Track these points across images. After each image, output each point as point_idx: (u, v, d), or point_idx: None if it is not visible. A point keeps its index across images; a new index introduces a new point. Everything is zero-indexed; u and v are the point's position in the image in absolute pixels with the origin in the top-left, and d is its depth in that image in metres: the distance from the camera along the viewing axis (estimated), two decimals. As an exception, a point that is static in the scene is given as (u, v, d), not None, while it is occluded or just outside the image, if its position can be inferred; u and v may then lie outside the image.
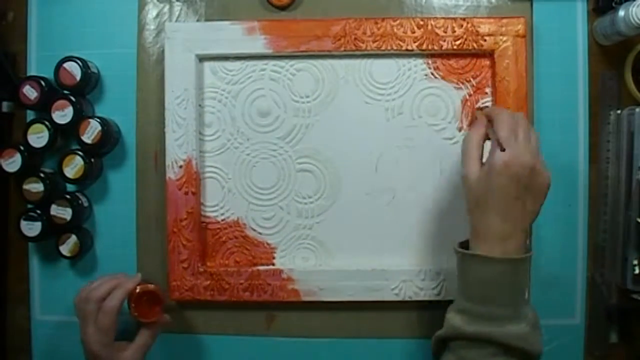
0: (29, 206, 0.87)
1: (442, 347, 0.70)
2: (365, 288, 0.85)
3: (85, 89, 0.87)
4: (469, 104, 0.86)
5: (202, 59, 0.86)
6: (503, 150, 0.66)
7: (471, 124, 0.83)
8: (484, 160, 0.69)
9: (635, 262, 0.83)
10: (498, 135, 0.68)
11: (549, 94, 0.87)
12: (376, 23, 0.84)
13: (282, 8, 0.87)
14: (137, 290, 0.81)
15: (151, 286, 0.82)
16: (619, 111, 0.85)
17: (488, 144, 0.70)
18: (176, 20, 0.88)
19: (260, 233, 0.88)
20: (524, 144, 0.67)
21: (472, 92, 0.86)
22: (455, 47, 0.84)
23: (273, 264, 0.88)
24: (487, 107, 0.85)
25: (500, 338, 0.64)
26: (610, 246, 0.86)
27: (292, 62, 0.86)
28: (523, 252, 0.67)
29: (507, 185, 0.65)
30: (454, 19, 0.84)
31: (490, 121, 0.71)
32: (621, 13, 0.78)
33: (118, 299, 0.78)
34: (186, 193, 0.85)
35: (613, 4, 0.83)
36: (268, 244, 0.88)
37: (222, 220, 0.88)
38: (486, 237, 0.67)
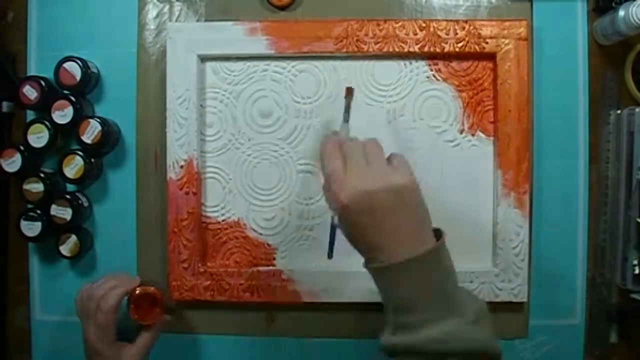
0: (29, 206, 0.87)
1: None
2: (365, 289, 0.84)
3: (85, 89, 0.87)
4: (470, 106, 0.86)
5: (204, 59, 0.86)
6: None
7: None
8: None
9: (635, 262, 0.83)
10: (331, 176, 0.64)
11: (548, 94, 0.87)
12: (378, 25, 0.84)
13: (282, 8, 0.87)
14: (137, 292, 0.81)
15: (151, 289, 0.81)
16: (619, 111, 0.86)
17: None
18: (176, 20, 0.88)
19: (260, 234, 0.88)
20: (354, 172, 0.63)
21: (473, 95, 0.86)
22: (457, 49, 0.84)
23: (273, 265, 0.88)
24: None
25: (417, 345, 0.59)
26: (610, 246, 0.86)
27: (294, 63, 0.86)
28: (423, 249, 0.61)
29: (361, 215, 0.62)
30: (456, 21, 0.84)
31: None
32: (621, 13, 0.78)
33: (115, 297, 0.78)
34: (187, 193, 0.85)
35: (613, 4, 0.83)
36: (268, 244, 0.88)
37: (223, 220, 0.88)
38: (375, 250, 0.62)
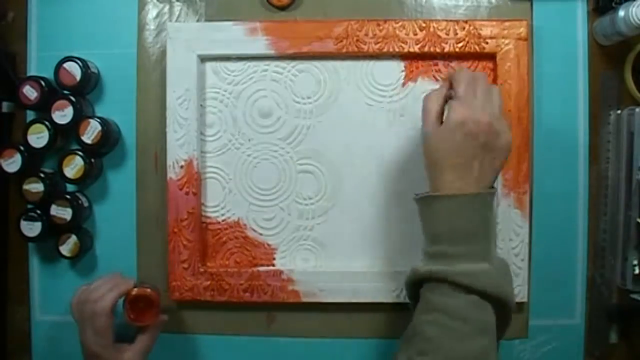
0: (29, 206, 0.87)
1: (414, 295, 0.69)
2: (365, 290, 0.85)
3: (85, 89, 0.87)
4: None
5: (204, 59, 0.86)
6: (457, 109, 0.66)
7: None
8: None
9: (635, 262, 0.83)
10: (456, 92, 0.68)
11: (549, 94, 0.87)
12: (378, 25, 0.84)
13: (282, 8, 0.87)
14: (133, 293, 0.81)
15: (147, 290, 0.81)
16: (619, 111, 0.86)
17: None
18: (176, 20, 0.88)
19: (260, 234, 0.88)
20: (482, 102, 0.67)
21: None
22: (457, 49, 0.84)
23: (273, 265, 0.88)
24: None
25: (449, 275, 0.63)
26: (610, 246, 0.86)
27: (294, 63, 0.86)
28: (476, 191, 0.66)
29: (463, 143, 0.65)
30: (456, 21, 0.84)
31: (450, 83, 0.71)
32: (621, 13, 0.78)
33: (110, 299, 0.77)
34: (187, 193, 0.85)
35: (613, 4, 0.83)
36: (268, 244, 0.88)
37: (223, 220, 0.88)
38: (440, 187, 0.67)
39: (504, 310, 0.65)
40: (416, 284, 0.68)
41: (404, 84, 0.86)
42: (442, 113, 0.70)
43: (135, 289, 0.81)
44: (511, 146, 0.68)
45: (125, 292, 0.80)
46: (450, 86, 0.70)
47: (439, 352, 0.62)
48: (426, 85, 0.85)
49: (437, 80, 0.86)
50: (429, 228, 0.68)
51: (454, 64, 0.86)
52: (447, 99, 0.70)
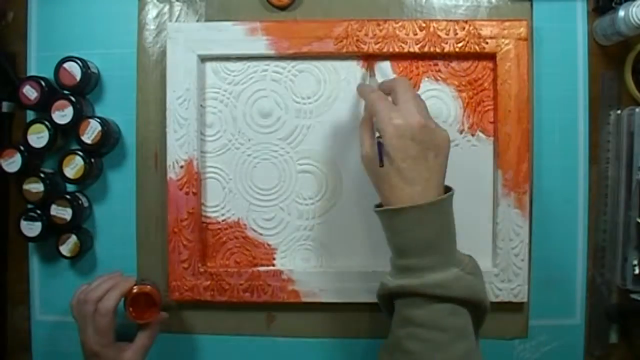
0: (29, 206, 0.87)
1: (388, 308, 0.69)
2: (365, 290, 0.84)
3: (85, 89, 0.87)
4: (470, 106, 0.86)
5: (204, 59, 0.86)
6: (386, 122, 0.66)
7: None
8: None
9: (635, 262, 0.83)
10: (377, 110, 0.68)
11: (549, 93, 0.87)
12: (378, 25, 0.83)
13: (282, 8, 0.87)
14: (134, 291, 0.81)
15: (147, 287, 0.82)
16: (619, 111, 0.86)
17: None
18: (176, 20, 0.88)
19: (260, 234, 0.88)
20: (406, 105, 0.67)
21: (473, 95, 0.86)
22: (457, 49, 0.83)
23: (273, 265, 0.88)
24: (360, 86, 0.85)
25: (420, 289, 0.63)
26: (610, 246, 0.86)
27: (294, 63, 0.86)
28: (434, 198, 0.66)
29: (402, 146, 0.65)
30: (456, 21, 0.84)
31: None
32: (621, 13, 0.78)
33: (113, 299, 0.78)
34: (187, 193, 0.85)
35: (613, 4, 0.83)
36: (268, 244, 0.88)
37: (223, 220, 0.88)
38: (394, 197, 0.67)
39: (479, 310, 0.66)
40: (388, 298, 0.68)
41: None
42: (374, 133, 0.70)
43: (137, 287, 0.81)
44: (449, 141, 0.68)
45: (127, 291, 0.80)
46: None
47: None
48: (427, 86, 0.86)
49: (437, 80, 0.86)
50: (393, 241, 0.68)
51: (453, 64, 0.86)
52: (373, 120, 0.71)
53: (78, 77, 0.84)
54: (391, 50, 0.84)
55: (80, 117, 0.84)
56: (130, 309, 0.81)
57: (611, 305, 0.87)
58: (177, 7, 0.88)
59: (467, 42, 0.83)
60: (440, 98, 0.86)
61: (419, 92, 0.85)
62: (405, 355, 0.63)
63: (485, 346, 0.84)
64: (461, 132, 0.86)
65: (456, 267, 0.65)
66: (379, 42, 0.84)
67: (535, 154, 0.86)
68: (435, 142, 0.66)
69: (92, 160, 0.86)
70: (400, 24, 0.84)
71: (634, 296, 0.84)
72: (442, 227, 0.66)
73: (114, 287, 0.79)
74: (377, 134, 0.68)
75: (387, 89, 0.72)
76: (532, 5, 0.87)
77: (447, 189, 0.69)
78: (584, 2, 0.87)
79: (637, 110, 0.82)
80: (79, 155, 0.85)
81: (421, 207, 0.64)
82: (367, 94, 0.73)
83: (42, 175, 0.85)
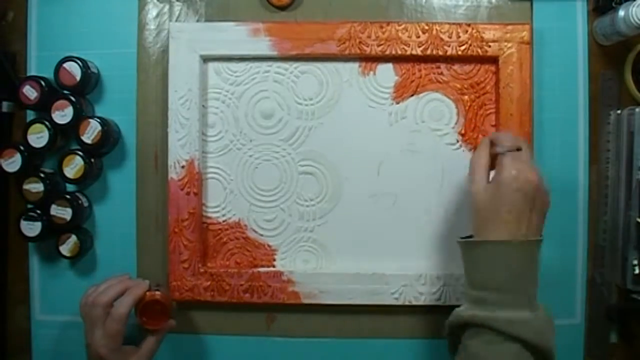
0: (29, 206, 0.87)
1: (454, 340, 0.70)
2: (365, 292, 0.85)
3: (85, 89, 0.87)
4: (472, 109, 0.86)
5: (206, 59, 0.86)
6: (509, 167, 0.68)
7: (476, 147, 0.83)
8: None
9: (635, 262, 0.83)
10: (503, 148, 0.70)
11: (548, 93, 0.87)
12: (381, 27, 0.84)
13: (282, 8, 0.87)
14: (146, 299, 0.80)
15: (158, 295, 0.81)
16: (619, 111, 0.86)
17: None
18: (176, 20, 0.88)
19: (261, 235, 0.88)
20: (528, 161, 0.69)
21: (475, 98, 0.86)
22: (459, 52, 0.83)
23: (273, 266, 0.88)
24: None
25: (490, 322, 0.64)
26: (610, 246, 0.86)
27: (296, 64, 0.86)
28: (524, 238, 0.67)
29: (514, 199, 0.66)
30: (459, 24, 0.84)
31: (493, 144, 0.73)
32: (621, 13, 0.78)
33: (127, 305, 0.77)
34: (188, 193, 0.85)
35: (613, 4, 0.83)
36: (269, 245, 0.88)
37: (224, 221, 0.88)
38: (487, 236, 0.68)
39: (544, 358, 0.66)
40: (458, 328, 0.69)
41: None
42: (488, 172, 0.72)
43: (149, 293, 0.81)
44: (549, 207, 0.70)
45: (140, 296, 0.80)
46: (492, 145, 0.73)
47: None
48: (428, 88, 0.86)
49: (439, 83, 0.86)
50: (471, 272, 0.69)
51: (455, 67, 0.86)
52: (493, 156, 0.72)
53: (78, 77, 0.84)
54: (394, 52, 0.84)
55: (80, 117, 0.84)
56: (142, 315, 0.80)
57: (611, 305, 0.87)
58: (177, 7, 0.88)
59: (470, 45, 0.83)
60: (442, 101, 0.86)
61: (420, 96, 0.86)
62: None
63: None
64: (463, 135, 0.86)
65: (529, 311, 0.65)
66: (381, 45, 0.84)
67: (535, 156, 0.86)
68: (541, 204, 0.68)
69: (92, 160, 0.86)
70: (403, 26, 0.84)
71: (634, 296, 0.84)
72: (525, 268, 0.66)
73: (127, 293, 0.79)
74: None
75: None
76: (532, 5, 0.87)
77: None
78: (584, 2, 0.87)
79: (637, 110, 0.82)
80: (79, 155, 0.85)
81: (504, 243, 0.66)
82: (499, 137, 0.73)
83: (42, 175, 0.85)
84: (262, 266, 0.87)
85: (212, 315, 0.89)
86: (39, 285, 0.90)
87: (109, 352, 0.76)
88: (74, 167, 0.85)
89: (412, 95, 0.86)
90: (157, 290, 0.82)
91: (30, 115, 0.88)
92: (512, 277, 0.66)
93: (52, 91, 0.85)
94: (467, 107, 0.86)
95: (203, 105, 0.86)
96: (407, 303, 0.85)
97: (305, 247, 0.87)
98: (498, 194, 0.67)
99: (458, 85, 0.86)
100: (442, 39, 0.83)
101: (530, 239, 0.67)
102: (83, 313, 0.78)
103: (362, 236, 0.87)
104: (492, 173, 0.71)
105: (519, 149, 0.70)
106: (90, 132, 0.84)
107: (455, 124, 0.86)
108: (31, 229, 0.85)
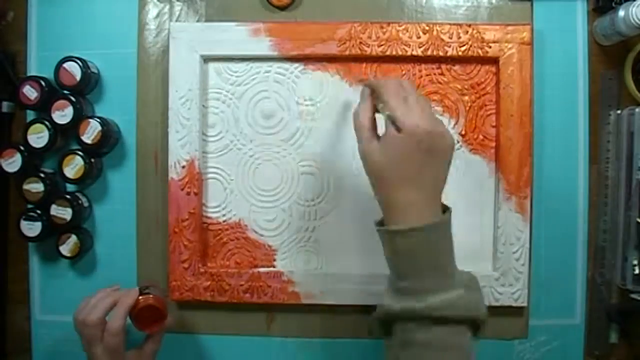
0: (29, 206, 0.87)
1: (386, 330, 0.68)
2: (365, 292, 0.85)
3: (85, 89, 0.87)
4: (472, 110, 0.86)
5: (206, 59, 0.86)
6: (395, 120, 0.64)
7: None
8: (380, 133, 0.67)
9: (635, 262, 0.83)
10: (388, 104, 0.66)
11: (548, 93, 0.87)
12: (382, 27, 0.83)
13: (282, 8, 0.87)
14: (139, 306, 0.78)
15: (151, 298, 0.79)
16: (619, 111, 0.86)
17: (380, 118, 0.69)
18: (176, 20, 0.88)
19: (261, 235, 0.88)
20: (416, 108, 0.65)
21: (476, 99, 0.86)
22: (460, 53, 0.83)
23: (274, 266, 0.88)
24: (368, 79, 0.83)
25: (425, 311, 0.62)
26: (610, 246, 0.86)
27: (297, 64, 0.86)
28: (438, 218, 0.64)
29: (409, 153, 0.63)
30: (460, 25, 0.84)
31: (375, 92, 0.70)
32: (621, 13, 0.78)
33: (121, 317, 0.75)
34: (188, 193, 0.85)
35: (613, 4, 0.83)
36: (269, 245, 0.88)
37: (224, 221, 0.88)
38: (397, 209, 0.65)
39: (479, 324, 0.65)
40: (388, 321, 0.66)
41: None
42: (375, 126, 0.69)
43: (141, 299, 0.78)
44: (454, 145, 0.66)
45: (131, 305, 0.77)
46: (374, 97, 0.70)
47: None
48: (429, 89, 0.86)
49: (440, 84, 0.86)
50: (393, 262, 0.66)
51: (456, 67, 0.86)
52: (375, 110, 0.69)
53: (78, 77, 0.84)
54: (394, 53, 0.84)
55: (80, 117, 0.84)
56: (137, 323, 0.79)
57: (611, 305, 0.87)
58: (177, 7, 0.88)
59: (470, 45, 0.83)
60: (442, 101, 0.86)
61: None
62: None
63: (486, 346, 0.84)
64: (463, 136, 0.86)
65: (459, 287, 0.63)
66: (382, 45, 0.84)
67: (535, 156, 0.86)
68: (440, 148, 0.64)
69: (92, 160, 0.86)
70: (403, 26, 0.84)
71: (634, 296, 0.84)
72: (444, 248, 0.65)
73: (119, 304, 0.76)
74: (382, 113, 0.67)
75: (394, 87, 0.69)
76: (532, 5, 0.87)
77: (444, 207, 0.67)
78: (584, 2, 0.87)
79: (637, 110, 0.82)
80: (79, 155, 0.85)
81: (420, 230, 0.63)
82: (379, 86, 0.69)
83: (42, 175, 0.85)
84: (262, 266, 0.87)
85: (212, 315, 0.89)
86: (39, 286, 0.90)
87: None
88: (74, 167, 0.85)
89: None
90: (148, 292, 0.80)
91: (30, 115, 0.88)
92: (433, 260, 0.63)
93: (52, 91, 0.85)
94: (467, 108, 0.86)
95: (203, 106, 0.86)
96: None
97: (306, 247, 0.87)
98: (390, 152, 0.64)
99: (458, 86, 0.86)
100: (442, 40, 0.83)
101: (441, 219, 0.64)
102: (78, 330, 0.76)
103: (362, 236, 0.87)
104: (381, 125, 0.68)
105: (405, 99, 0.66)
106: (90, 132, 0.84)
107: (456, 124, 0.86)
108: (31, 229, 0.85)
